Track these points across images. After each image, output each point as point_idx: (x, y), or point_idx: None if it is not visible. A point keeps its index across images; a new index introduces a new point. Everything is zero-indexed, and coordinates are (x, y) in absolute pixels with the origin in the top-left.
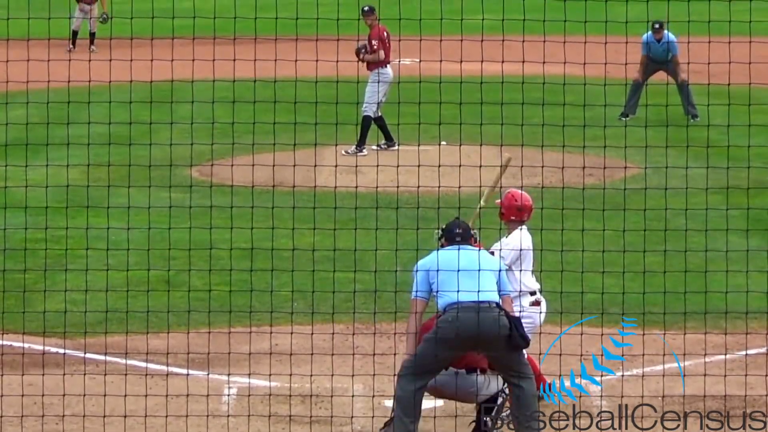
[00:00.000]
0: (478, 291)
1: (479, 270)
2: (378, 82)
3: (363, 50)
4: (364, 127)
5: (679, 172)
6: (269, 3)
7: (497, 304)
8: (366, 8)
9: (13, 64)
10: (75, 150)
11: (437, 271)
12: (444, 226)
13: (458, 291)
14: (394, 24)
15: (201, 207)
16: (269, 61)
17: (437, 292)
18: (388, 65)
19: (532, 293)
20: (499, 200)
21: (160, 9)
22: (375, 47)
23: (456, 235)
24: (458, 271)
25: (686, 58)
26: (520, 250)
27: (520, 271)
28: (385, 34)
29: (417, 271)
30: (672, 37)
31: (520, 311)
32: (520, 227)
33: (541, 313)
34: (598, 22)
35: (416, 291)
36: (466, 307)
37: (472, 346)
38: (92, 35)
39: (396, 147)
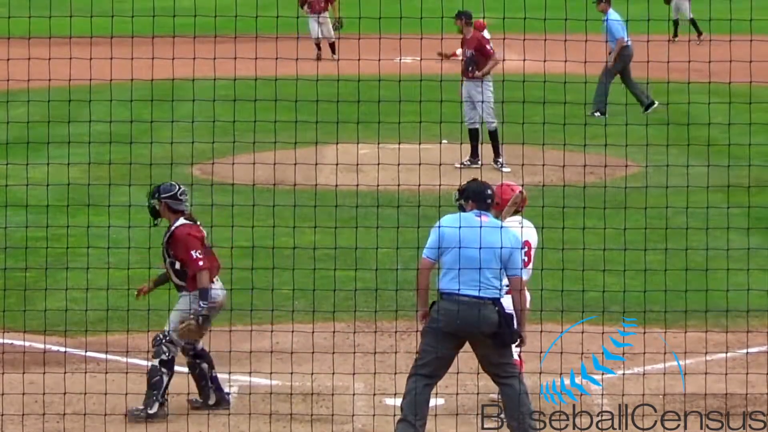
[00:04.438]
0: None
1: (484, 248)
2: (489, 90)
3: (471, 64)
4: (495, 139)
5: (680, 171)
6: (270, 2)
7: (494, 299)
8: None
9: (14, 63)
10: (76, 148)
11: (450, 248)
12: (471, 186)
13: (459, 269)
14: (394, 22)
15: (202, 205)
16: (270, 59)
17: (442, 268)
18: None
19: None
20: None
21: (161, 7)
22: (491, 50)
23: (487, 197)
24: (458, 248)
25: (687, 56)
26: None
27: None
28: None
29: (436, 227)
30: (612, 16)
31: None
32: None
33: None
34: (600, 21)
35: (427, 248)
36: (462, 301)
37: (463, 338)
38: (331, 45)
39: (479, 164)
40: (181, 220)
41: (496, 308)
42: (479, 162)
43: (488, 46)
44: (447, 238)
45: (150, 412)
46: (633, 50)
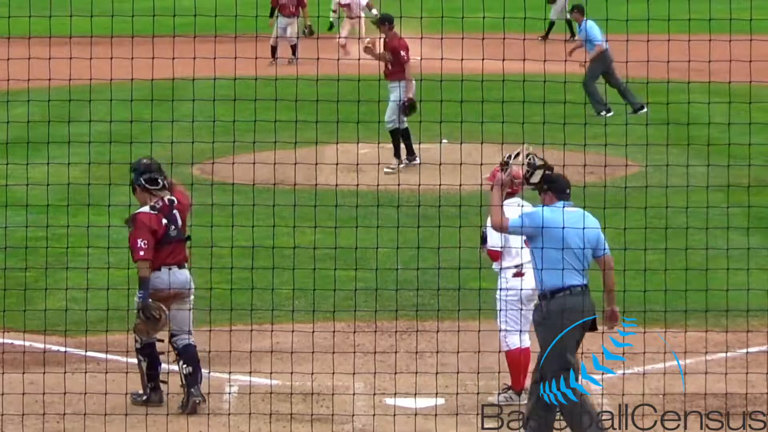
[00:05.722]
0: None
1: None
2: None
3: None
4: (397, 139)
5: (680, 170)
6: (270, 1)
7: (588, 285)
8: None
9: (14, 63)
10: (76, 148)
11: (542, 248)
12: (549, 177)
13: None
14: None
15: (202, 205)
16: (270, 59)
17: (543, 264)
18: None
19: (516, 266)
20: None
21: (161, 7)
22: (405, 58)
23: (566, 186)
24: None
25: (687, 56)
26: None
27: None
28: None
29: (529, 220)
30: (588, 24)
31: (506, 286)
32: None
33: (526, 280)
34: (599, 20)
35: (520, 222)
36: (576, 292)
37: (580, 330)
38: (293, 47)
39: (417, 162)
40: (146, 208)
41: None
42: (417, 159)
43: (402, 53)
44: (547, 234)
45: (144, 397)
46: (612, 53)
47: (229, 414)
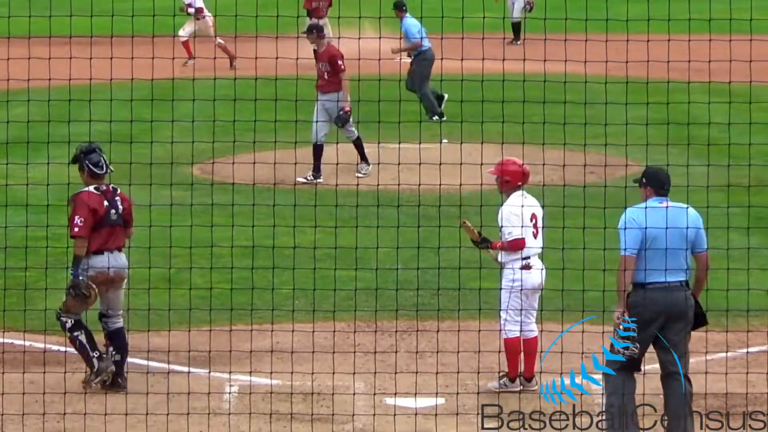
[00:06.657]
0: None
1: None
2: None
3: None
4: (360, 147)
5: (681, 170)
6: (270, 1)
7: (688, 282)
8: (314, 25)
9: (14, 62)
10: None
11: (645, 249)
12: (648, 172)
13: (666, 270)
14: (395, 22)
15: (202, 205)
16: (270, 59)
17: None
18: None
19: (524, 258)
20: (492, 169)
21: (161, 7)
22: (342, 67)
23: (665, 183)
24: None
25: (687, 56)
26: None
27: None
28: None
29: (627, 228)
30: (408, 20)
31: (513, 277)
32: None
33: (533, 272)
34: (599, 20)
35: (627, 248)
36: (667, 288)
37: (663, 325)
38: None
39: (321, 180)
40: (90, 188)
41: (690, 291)
42: (321, 179)
43: (339, 61)
44: (648, 234)
45: (95, 370)
46: (433, 53)
47: (229, 414)
